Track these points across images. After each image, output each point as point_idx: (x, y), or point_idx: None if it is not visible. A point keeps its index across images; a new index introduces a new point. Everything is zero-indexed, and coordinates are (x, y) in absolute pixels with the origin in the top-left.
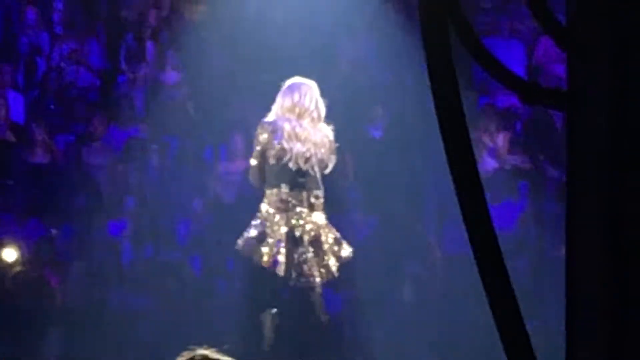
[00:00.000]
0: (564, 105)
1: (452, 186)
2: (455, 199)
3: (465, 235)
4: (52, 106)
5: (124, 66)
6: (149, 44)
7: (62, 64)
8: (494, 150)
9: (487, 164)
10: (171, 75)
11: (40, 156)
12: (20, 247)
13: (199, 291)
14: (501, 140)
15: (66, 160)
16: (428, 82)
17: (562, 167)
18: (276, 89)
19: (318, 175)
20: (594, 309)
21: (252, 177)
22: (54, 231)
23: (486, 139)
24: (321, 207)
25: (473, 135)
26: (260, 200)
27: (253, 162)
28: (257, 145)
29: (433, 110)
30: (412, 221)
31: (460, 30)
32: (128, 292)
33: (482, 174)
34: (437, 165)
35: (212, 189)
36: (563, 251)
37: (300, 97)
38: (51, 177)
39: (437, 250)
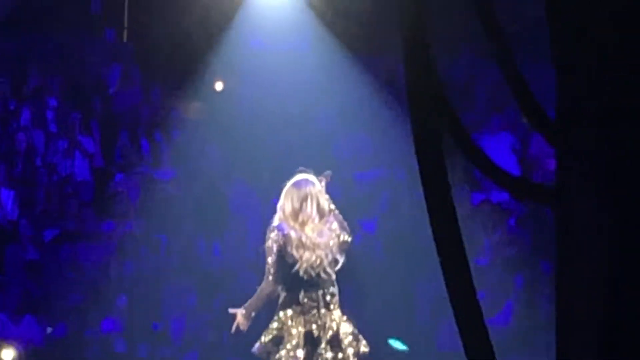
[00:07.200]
0: (551, 202)
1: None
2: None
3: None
4: (45, 203)
5: (118, 163)
6: (143, 141)
7: (57, 161)
8: (488, 245)
9: (482, 259)
10: (166, 172)
11: (32, 252)
12: (15, 345)
13: None
14: (496, 235)
15: (58, 256)
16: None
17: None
18: (272, 186)
19: (332, 273)
20: None
21: (269, 277)
22: (49, 329)
23: (481, 235)
24: (337, 304)
25: (468, 231)
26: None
27: (270, 261)
28: (273, 246)
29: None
30: (405, 315)
31: (451, 129)
32: None
33: (477, 268)
34: (431, 261)
35: (207, 284)
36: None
37: (301, 204)
38: (44, 273)
39: (430, 346)
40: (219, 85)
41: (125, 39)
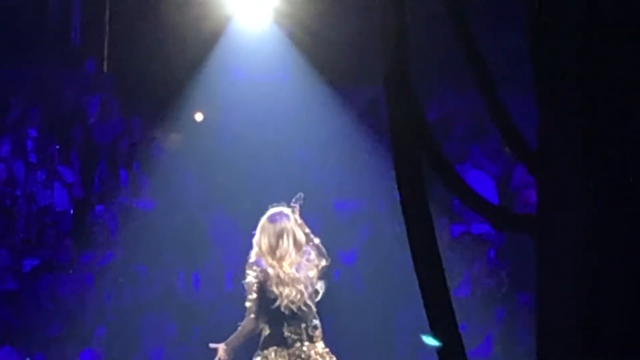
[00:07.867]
0: (533, 231)
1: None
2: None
3: None
4: (24, 233)
5: (97, 193)
6: (122, 172)
7: (36, 191)
8: (468, 277)
9: (462, 290)
10: (145, 202)
11: (10, 283)
12: None
13: None
14: (476, 267)
15: (37, 287)
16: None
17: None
18: (252, 217)
19: (312, 305)
20: None
21: (251, 314)
22: None
23: (461, 266)
24: (320, 336)
25: (448, 262)
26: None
27: (251, 298)
28: (253, 283)
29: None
30: (386, 346)
31: (432, 160)
32: None
33: (457, 300)
34: (412, 292)
35: (186, 315)
36: None
37: (277, 240)
38: (22, 304)
39: None
40: (199, 116)
41: (105, 70)
